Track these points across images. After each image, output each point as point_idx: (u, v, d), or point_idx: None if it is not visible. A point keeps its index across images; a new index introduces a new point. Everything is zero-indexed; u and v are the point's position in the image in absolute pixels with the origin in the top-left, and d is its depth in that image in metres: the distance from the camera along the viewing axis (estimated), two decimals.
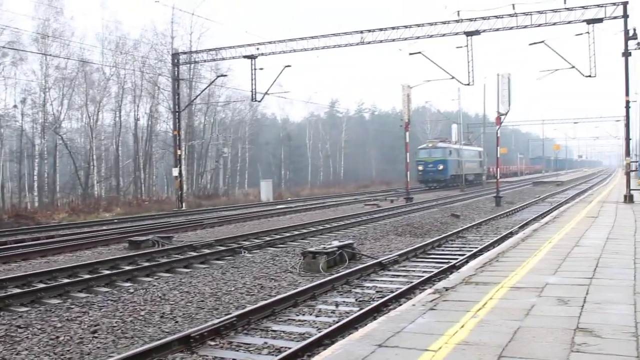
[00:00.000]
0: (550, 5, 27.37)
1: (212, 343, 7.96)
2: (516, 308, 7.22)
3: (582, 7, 26.84)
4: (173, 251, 16.51)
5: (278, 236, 19.48)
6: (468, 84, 30.13)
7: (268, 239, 18.81)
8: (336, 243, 14.79)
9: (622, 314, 6.83)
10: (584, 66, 27.71)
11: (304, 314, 9.51)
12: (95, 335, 8.49)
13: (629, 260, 10.63)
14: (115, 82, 49.65)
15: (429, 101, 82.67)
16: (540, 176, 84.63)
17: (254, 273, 13.06)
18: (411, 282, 11.43)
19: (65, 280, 12.47)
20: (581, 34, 27.13)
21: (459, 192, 46.89)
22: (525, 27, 27.98)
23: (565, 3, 26.73)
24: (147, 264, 14.52)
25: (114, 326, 8.90)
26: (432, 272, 12.46)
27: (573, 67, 28.16)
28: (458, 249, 16.53)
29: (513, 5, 27.56)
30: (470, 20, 28.73)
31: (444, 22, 29.21)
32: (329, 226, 22.38)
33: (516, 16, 27.86)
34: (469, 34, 28.88)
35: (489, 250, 14.16)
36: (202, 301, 10.50)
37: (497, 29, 28.45)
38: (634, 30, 26.04)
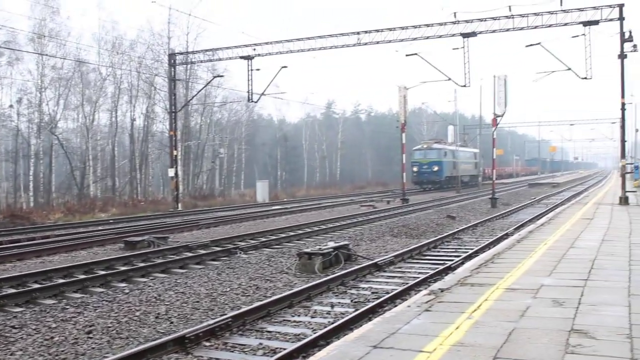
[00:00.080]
0: (546, 7, 27.39)
1: (207, 344, 7.95)
2: (511, 309, 7.23)
3: (579, 9, 26.91)
4: (169, 252, 16.49)
5: (274, 237, 19.48)
6: (464, 86, 30.20)
7: (264, 239, 18.80)
8: (332, 244, 14.79)
9: (617, 315, 6.85)
10: (580, 68, 27.80)
11: (299, 315, 9.51)
12: (90, 335, 8.48)
13: (624, 262, 10.65)
14: (111, 82, 49.64)
15: (426, 102, 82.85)
16: (536, 178, 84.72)
17: (249, 274, 13.05)
18: (407, 283, 11.44)
19: (61, 281, 12.44)
20: (577, 36, 27.22)
21: (455, 193, 46.94)
22: (522, 28, 28.05)
23: (561, 5, 26.82)
24: (142, 264, 14.50)
25: (109, 327, 8.88)
26: (428, 273, 12.47)
27: (569, 69, 28.22)
28: (454, 250, 16.54)
29: (509, 7, 27.63)
30: (467, 21, 28.77)
31: (440, 24, 29.25)
32: (324, 227, 22.37)
33: (512, 18, 27.92)
34: (465, 35, 28.92)
35: (484, 251, 14.18)
36: (198, 302, 10.49)
37: (494, 31, 28.47)
38: (630, 32, 26.13)
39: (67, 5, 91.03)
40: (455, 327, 6.52)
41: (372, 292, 11.08)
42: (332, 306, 10.03)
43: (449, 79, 30.93)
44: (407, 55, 30.75)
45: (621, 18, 26.02)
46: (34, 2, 41.52)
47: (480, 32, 28.66)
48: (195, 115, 55.84)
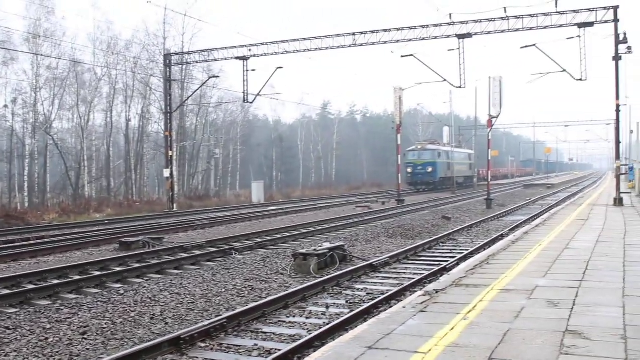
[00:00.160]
0: (541, 8, 27.44)
1: (202, 345, 7.94)
2: (506, 310, 7.24)
3: (574, 11, 26.99)
4: (164, 252, 16.47)
5: (269, 238, 19.47)
6: (460, 87, 30.26)
7: (259, 240, 18.80)
8: (327, 245, 14.80)
9: (611, 316, 6.87)
10: (575, 70, 27.87)
11: (294, 316, 9.51)
12: (85, 336, 8.46)
13: (619, 263, 10.68)
14: (106, 83, 49.58)
15: (421, 103, 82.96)
16: (531, 179, 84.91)
17: (244, 275, 13.04)
18: (402, 284, 11.44)
19: (55, 282, 12.42)
20: (572, 37, 27.29)
21: (450, 194, 46.98)
22: (517, 30, 28.13)
23: (556, 7, 26.89)
24: (137, 265, 14.49)
25: (104, 327, 8.86)
26: (423, 274, 12.48)
27: (564, 70, 28.28)
28: (449, 251, 16.56)
29: (505, 8, 27.73)
30: (462, 23, 28.82)
31: (436, 25, 29.30)
32: (320, 228, 22.37)
33: (508, 19, 27.99)
34: (460, 36, 28.97)
35: (479, 252, 14.19)
36: (193, 303, 10.48)
37: (489, 32, 28.54)
38: (625, 34, 26.20)
39: (62, 5, 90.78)
40: (450, 328, 6.53)
41: (368, 293, 11.09)
42: (328, 307, 10.03)
43: (445, 80, 30.98)
44: (402, 56, 30.79)
45: (616, 20, 26.11)
46: (29, 2, 41.48)
47: (476, 34, 28.72)
48: (190, 116, 55.86)
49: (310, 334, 8.08)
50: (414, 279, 11.98)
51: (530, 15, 27.66)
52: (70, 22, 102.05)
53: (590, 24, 26.66)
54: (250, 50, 33.17)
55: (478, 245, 16.63)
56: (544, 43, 29.62)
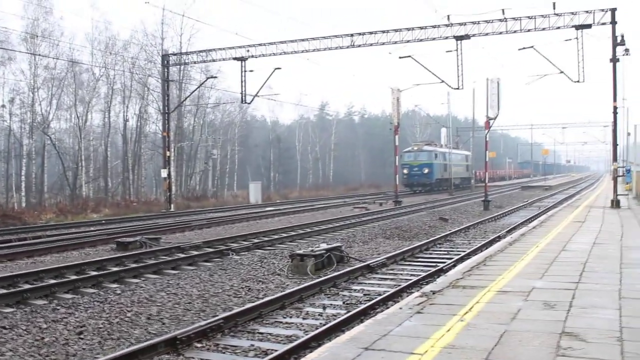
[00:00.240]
0: (539, 10, 27.63)
1: (199, 345, 7.93)
2: (503, 312, 7.25)
3: (571, 13, 27.04)
4: (161, 253, 16.45)
5: (266, 238, 19.45)
6: (457, 88, 30.28)
7: (256, 241, 18.79)
8: (324, 246, 14.79)
9: (608, 318, 6.88)
10: (572, 71, 27.96)
11: (291, 317, 9.50)
12: (81, 336, 8.45)
13: (615, 265, 10.70)
14: (104, 83, 49.51)
15: (419, 105, 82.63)
16: (529, 180, 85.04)
17: (241, 275, 13.04)
18: (399, 285, 11.45)
19: (52, 281, 12.39)
20: (570, 39, 27.34)
21: (448, 195, 47.02)
22: (515, 32, 28.16)
23: (554, 9, 26.94)
24: (134, 265, 14.46)
25: (100, 327, 8.85)
26: (420, 275, 12.48)
27: (562, 72, 28.34)
28: (446, 252, 16.57)
29: (503, 10, 27.77)
30: (460, 24, 28.87)
31: (434, 26, 29.34)
32: (317, 229, 22.36)
33: (506, 21, 28.03)
34: (458, 38, 29.01)
35: (476, 254, 14.20)
36: (189, 303, 10.47)
37: (487, 34, 28.58)
38: (622, 36, 26.26)
39: (60, 5, 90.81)
40: (446, 329, 6.53)
41: (364, 294, 11.09)
42: (324, 308, 10.03)
43: (442, 82, 31.02)
44: (400, 57, 30.83)
45: (613, 22, 26.17)
46: (27, 2, 41.42)
47: (474, 35, 28.75)
48: (188, 116, 55.81)
49: (306, 335, 8.08)
50: (410, 280, 11.98)
51: (528, 17, 27.71)
52: (68, 22, 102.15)
53: (588, 26, 26.71)
54: (248, 50, 33.19)
55: (475, 247, 16.64)
56: (541, 45, 29.79)
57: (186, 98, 46.43)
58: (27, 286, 11.89)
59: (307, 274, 13.06)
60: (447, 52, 29.58)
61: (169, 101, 38.15)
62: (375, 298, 10.32)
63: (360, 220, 25.47)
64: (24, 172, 43.12)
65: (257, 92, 35.51)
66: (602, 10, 26.44)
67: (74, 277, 12.92)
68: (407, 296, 9.37)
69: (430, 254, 16.40)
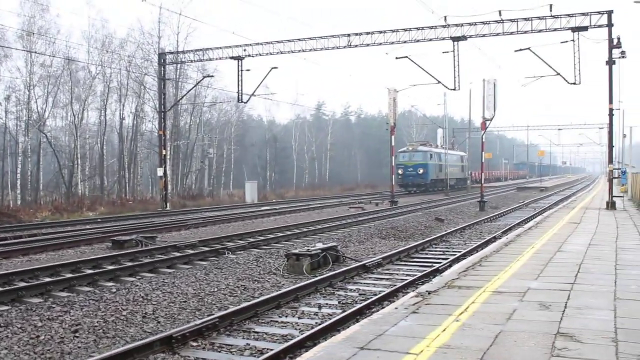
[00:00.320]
0: (536, 12, 27.55)
1: (194, 344, 7.93)
2: (498, 312, 7.27)
3: (568, 15, 27.08)
4: (156, 251, 16.43)
5: (262, 238, 19.45)
6: (454, 89, 30.28)
7: (252, 240, 18.78)
8: (320, 245, 14.80)
9: (603, 319, 6.90)
10: (568, 73, 27.96)
11: (286, 316, 9.51)
12: (77, 334, 8.44)
13: (610, 266, 10.73)
14: (100, 81, 49.46)
15: (415, 105, 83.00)
16: (525, 182, 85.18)
17: (237, 274, 13.03)
18: (394, 285, 11.46)
19: (47, 279, 12.37)
20: (566, 41, 27.37)
21: (443, 196, 47.05)
22: (512, 33, 28.19)
23: (551, 10, 26.96)
24: (130, 263, 14.45)
25: (96, 326, 8.84)
26: (416, 275, 12.51)
27: (558, 74, 28.37)
28: (441, 252, 16.59)
29: (499, 11, 27.79)
30: (457, 25, 28.89)
31: (431, 27, 29.36)
32: (313, 228, 22.36)
33: (502, 22, 28.06)
34: (455, 39, 29.03)
35: (472, 254, 14.23)
36: (185, 302, 10.46)
37: (484, 35, 28.61)
38: (618, 38, 26.31)
39: (56, 2, 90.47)
40: (442, 329, 6.55)
41: (360, 294, 11.10)
42: (320, 307, 10.04)
43: (439, 82, 31.02)
44: (397, 58, 30.85)
45: (610, 24, 26.22)
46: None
47: (470, 36, 28.79)
48: (184, 115, 55.78)
49: (302, 334, 8.09)
50: (406, 280, 12.00)
51: (525, 19, 27.76)
52: (65, 20, 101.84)
53: (585, 28, 26.76)
54: (245, 50, 33.17)
55: (471, 247, 16.66)
56: (538, 46, 29.75)
57: (183, 97, 46.37)
58: (22, 284, 11.88)
59: (303, 273, 13.07)
60: (443, 53, 29.61)
61: (166, 100, 38.09)
62: (371, 298, 10.33)
63: (356, 220, 25.48)
64: (20, 170, 43.00)
65: (254, 92, 35.48)
66: (599, 12, 26.49)
67: (70, 275, 12.91)
68: (403, 296, 9.38)
69: (426, 254, 16.42)
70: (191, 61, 38.46)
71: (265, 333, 8.53)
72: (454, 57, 29.39)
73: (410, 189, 53.43)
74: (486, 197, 36.00)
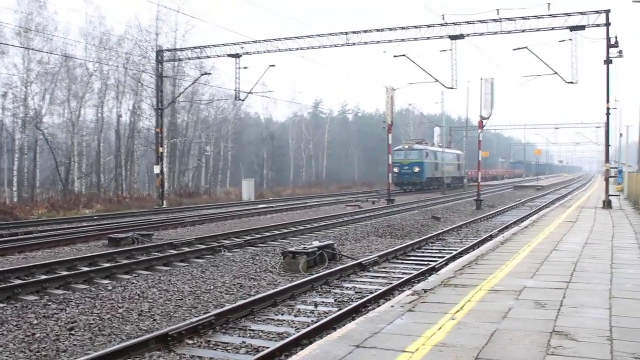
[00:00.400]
0: (534, 11, 27.56)
1: (190, 342, 7.93)
2: (494, 311, 7.27)
3: (566, 14, 27.11)
4: (153, 249, 16.41)
5: (258, 235, 19.45)
6: (451, 88, 30.34)
7: (248, 238, 18.77)
8: (316, 243, 14.80)
9: (598, 317, 6.91)
10: (566, 72, 28.01)
11: (282, 314, 9.51)
12: (72, 332, 8.43)
13: (606, 264, 10.75)
14: (98, 78, 49.33)
15: (413, 104, 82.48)
16: (521, 180, 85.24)
17: (233, 272, 13.03)
18: (390, 284, 11.46)
19: (43, 277, 12.34)
20: (564, 40, 27.41)
21: (440, 194, 47.08)
22: (509, 32, 28.21)
23: (549, 9, 27.00)
24: (126, 261, 14.43)
25: (91, 323, 8.83)
26: (412, 273, 12.51)
27: (555, 73, 28.42)
28: (438, 251, 16.60)
29: (497, 10, 27.83)
30: (455, 24, 28.90)
31: (428, 26, 29.36)
32: (309, 226, 22.37)
33: (500, 21, 28.08)
34: (453, 37, 29.04)
35: (468, 253, 14.25)
36: (181, 299, 10.46)
37: (482, 34, 28.62)
38: (616, 38, 26.34)
39: None
40: (438, 327, 6.55)
41: (356, 292, 11.10)
42: (316, 305, 10.04)
43: (436, 81, 31.06)
44: (395, 56, 30.86)
45: (607, 24, 26.25)
46: None
47: (468, 35, 28.80)
48: (182, 113, 55.68)
49: (298, 332, 8.09)
50: (402, 278, 12.01)
51: (523, 18, 27.77)
52: (62, 17, 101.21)
53: (582, 27, 26.79)
54: (242, 47, 33.14)
55: (467, 246, 16.67)
56: (536, 45, 29.83)
57: (180, 94, 46.31)
58: (18, 281, 11.85)
59: (299, 271, 13.07)
60: (441, 51, 29.65)
61: (163, 97, 38.06)
62: (367, 296, 10.33)
63: (352, 218, 25.49)
64: (16, 167, 42.93)
65: (251, 89, 35.49)
66: (596, 12, 26.52)
67: (66, 272, 12.88)
68: (399, 294, 9.38)
69: (423, 252, 16.43)
70: (189, 58, 38.41)
71: (261, 331, 8.53)
72: (452, 55, 29.44)
73: (405, 188, 53.17)
74: (483, 195, 36.03)
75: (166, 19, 55.99)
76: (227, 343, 7.92)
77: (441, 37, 29.33)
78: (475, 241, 17.75)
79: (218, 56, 34.52)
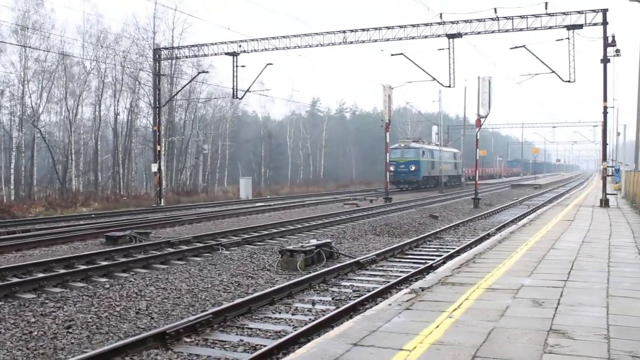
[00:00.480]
0: (531, 10, 27.58)
1: (188, 340, 7.93)
2: (491, 309, 7.28)
3: (563, 13, 27.12)
4: (150, 247, 16.40)
5: (256, 234, 19.45)
6: (449, 86, 30.32)
7: (246, 236, 18.77)
8: (314, 242, 14.81)
9: (595, 316, 6.93)
10: (563, 71, 28.08)
11: (280, 312, 9.51)
12: (70, 330, 8.42)
13: (603, 263, 10.77)
14: (95, 76, 49.30)
15: (410, 102, 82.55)
16: (519, 179, 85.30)
17: (231, 270, 13.03)
18: (388, 282, 11.47)
19: (40, 275, 12.33)
20: (561, 39, 27.42)
21: (438, 193, 47.10)
22: (507, 31, 28.23)
23: (546, 8, 27.00)
24: (123, 259, 14.42)
25: (89, 322, 8.83)
26: (409, 272, 12.52)
27: (553, 71, 28.44)
28: (435, 249, 16.62)
29: (495, 9, 27.82)
30: (453, 22, 28.90)
31: (426, 24, 29.36)
32: (307, 225, 22.37)
33: (498, 20, 28.09)
34: (450, 36, 29.04)
35: (466, 251, 14.26)
36: (179, 298, 10.46)
37: (479, 32, 28.63)
38: (613, 37, 26.38)
39: None
40: (435, 325, 6.56)
41: (354, 290, 11.11)
42: (314, 304, 10.05)
43: (434, 79, 31.06)
44: (392, 54, 30.88)
45: (605, 23, 26.27)
46: None
47: (466, 34, 28.81)
48: (179, 111, 55.67)
49: (295, 330, 8.10)
50: (400, 276, 12.02)
51: (520, 17, 27.78)
52: (60, 15, 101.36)
53: (579, 26, 26.81)
54: (240, 46, 33.11)
55: (465, 244, 16.70)
56: (533, 44, 29.93)
57: (177, 92, 46.29)
58: (15, 280, 11.82)
59: (297, 269, 13.08)
60: (439, 50, 29.64)
61: (160, 95, 38.01)
62: (365, 294, 10.34)
63: (350, 217, 25.50)
64: (14, 165, 42.86)
65: (249, 88, 35.48)
66: (594, 11, 26.55)
67: (63, 270, 12.87)
68: (397, 293, 9.39)
69: (420, 250, 16.45)
70: (186, 57, 38.40)
71: (259, 329, 8.53)
72: (449, 54, 29.43)
73: (402, 186, 52.92)
74: (480, 194, 36.06)
75: (164, 17, 56.24)
76: (225, 341, 7.92)
77: (439, 35, 29.32)
78: (473, 240, 17.77)
79: (215, 54, 34.49)
